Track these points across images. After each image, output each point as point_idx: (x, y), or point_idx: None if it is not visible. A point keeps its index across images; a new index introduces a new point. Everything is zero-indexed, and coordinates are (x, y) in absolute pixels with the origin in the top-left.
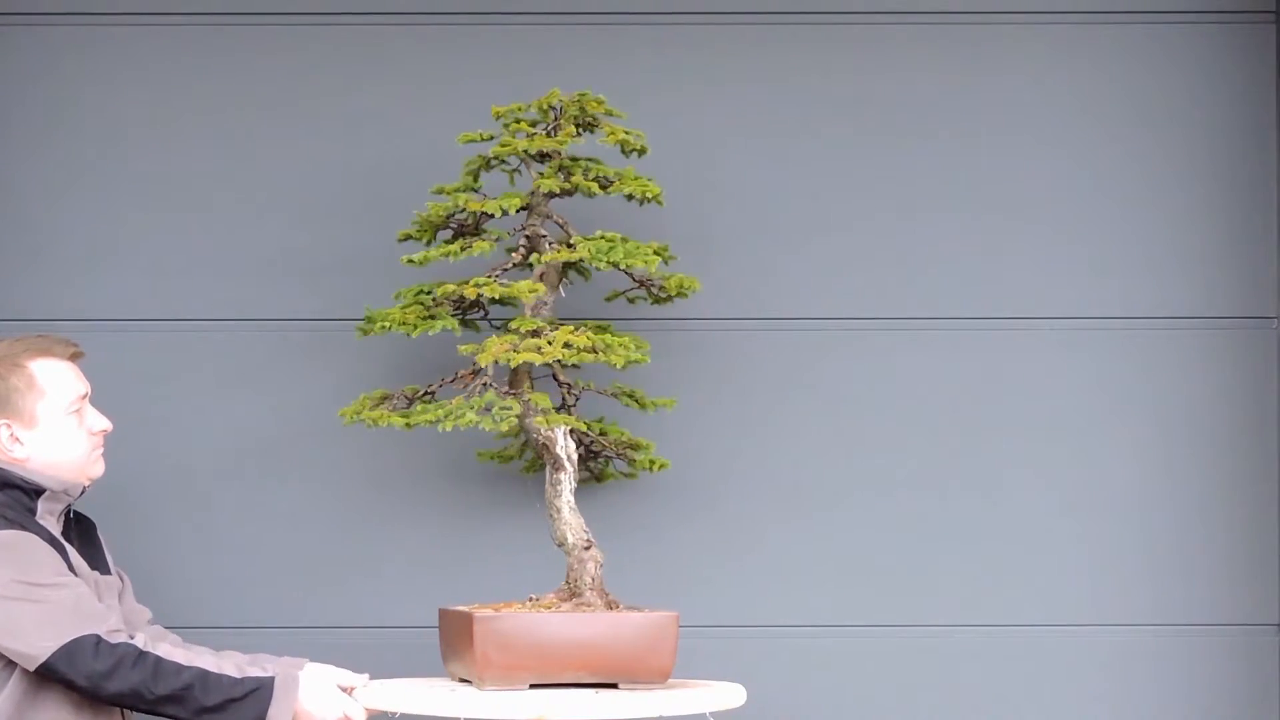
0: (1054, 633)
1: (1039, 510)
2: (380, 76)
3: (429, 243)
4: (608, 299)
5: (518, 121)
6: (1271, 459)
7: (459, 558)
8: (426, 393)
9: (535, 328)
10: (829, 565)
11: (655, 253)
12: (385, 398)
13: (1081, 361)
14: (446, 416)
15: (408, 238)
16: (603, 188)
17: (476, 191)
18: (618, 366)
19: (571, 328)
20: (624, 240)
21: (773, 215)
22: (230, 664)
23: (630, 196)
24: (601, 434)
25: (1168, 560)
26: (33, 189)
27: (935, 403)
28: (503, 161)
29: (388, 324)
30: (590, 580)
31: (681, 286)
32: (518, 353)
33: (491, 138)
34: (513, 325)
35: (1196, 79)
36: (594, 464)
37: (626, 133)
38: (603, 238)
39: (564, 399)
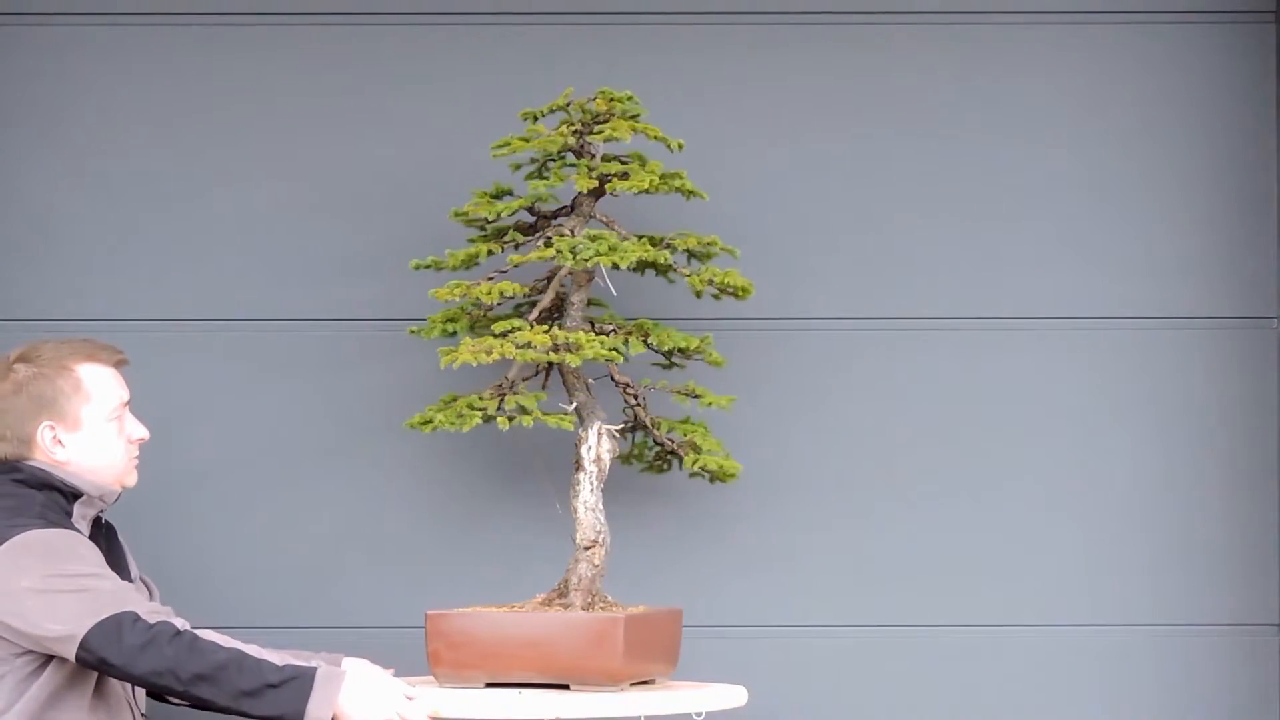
0: (1054, 633)
1: (1039, 510)
2: (385, 76)
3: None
4: (698, 294)
5: (566, 123)
6: (1271, 459)
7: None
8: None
9: (511, 328)
10: (830, 565)
11: (713, 244)
12: (454, 400)
13: (1081, 361)
14: (431, 420)
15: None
16: (602, 183)
17: (503, 196)
18: (575, 365)
19: (545, 327)
20: (611, 238)
21: (775, 217)
22: (276, 655)
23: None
24: (669, 432)
25: (1167, 560)
26: (34, 189)
27: (933, 403)
28: (555, 159)
29: (415, 330)
30: (578, 580)
31: (712, 281)
32: (469, 354)
33: (506, 143)
34: (494, 327)
35: (1196, 79)
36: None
37: (633, 126)
38: (588, 236)
39: (624, 399)
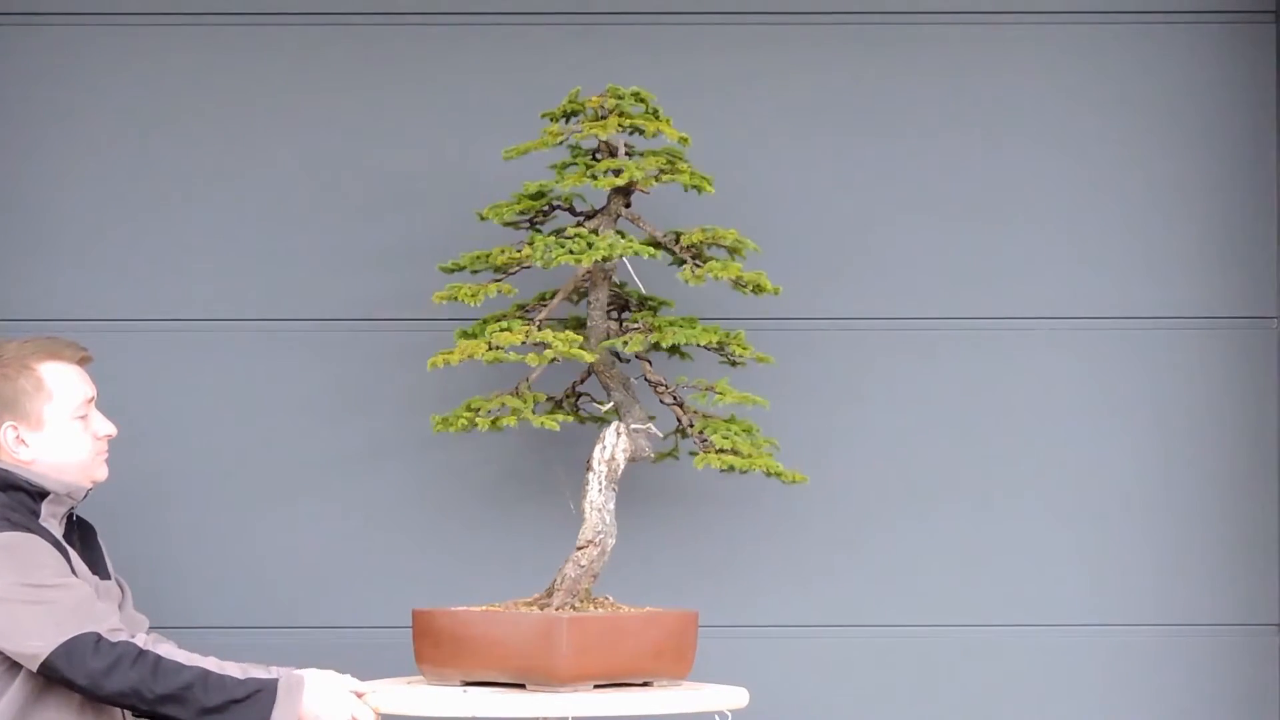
0: (1054, 633)
1: (1039, 510)
2: (386, 77)
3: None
4: (741, 286)
5: (584, 121)
6: (1271, 459)
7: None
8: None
9: (498, 329)
10: (830, 565)
11: (720, 238)
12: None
13: (1081, 361)
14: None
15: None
16: (595, 180)
17: (543, 196)
18: (533, 365)
19: (528, 328)
20: (590, 237)
21: (774, 217)
22: (234, 667)
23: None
24: (701, 430)
25: (1168, 560)
26: (34, 188)
27: (934, 403)
28: (593, 156)
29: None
30: (561, 580)
31: (716, 274)
32: (443, 357)
33: (524, 149)
34: (488, 329)
35: (1196, 79)
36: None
37: (619, 122)
38: (569, 234)
39: (659, 398)
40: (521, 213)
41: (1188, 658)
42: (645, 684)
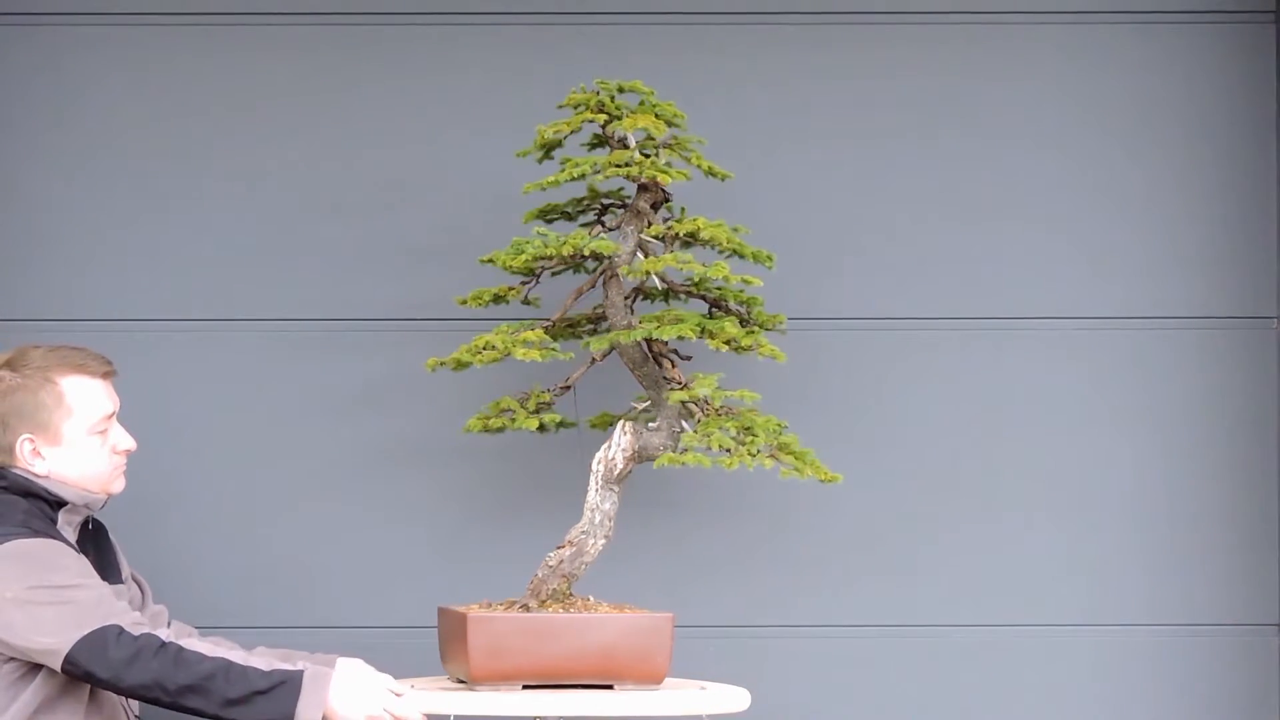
0: (1053, 633)
1: (1038, 510)
2: (385, 77)
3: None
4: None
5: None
6: (1271, 459)
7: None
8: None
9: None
10: (829, 565)
11: (691, 230)
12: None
13: (1081, 361)
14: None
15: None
16: (595, 173)
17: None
18: (475, 366)
19: (509, 329)
20: (555, 237)
21: (776, 216)
22: (259, 659)
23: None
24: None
25: (1167, 560)
26: (33, 189)
27: (933, 403)
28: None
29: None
30: (530, 579)
31: (650, 271)
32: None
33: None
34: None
35: (1196, 79)
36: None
37: (607, 107)
38: (537, 233)
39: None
40: (542, 213)
41: (1188, 658)
42: (607, 686)
